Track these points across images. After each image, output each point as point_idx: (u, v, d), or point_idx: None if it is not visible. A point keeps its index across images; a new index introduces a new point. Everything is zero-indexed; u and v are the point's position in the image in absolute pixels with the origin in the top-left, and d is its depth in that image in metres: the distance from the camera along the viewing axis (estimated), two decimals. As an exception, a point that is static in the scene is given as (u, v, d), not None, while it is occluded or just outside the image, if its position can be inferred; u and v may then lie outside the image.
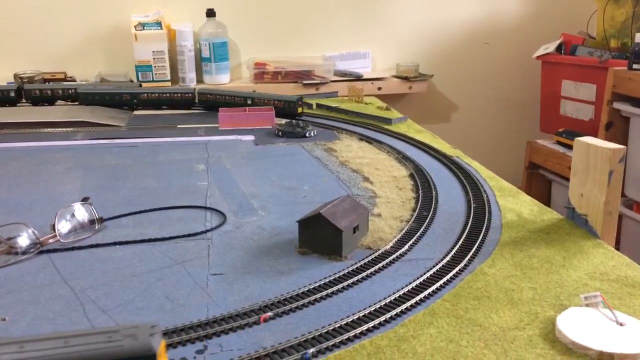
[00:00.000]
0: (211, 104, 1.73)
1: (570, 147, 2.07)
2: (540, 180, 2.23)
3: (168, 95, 1.75)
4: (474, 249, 0.80)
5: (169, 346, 0.58)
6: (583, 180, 0.87)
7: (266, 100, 1.66)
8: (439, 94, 2.55)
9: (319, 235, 0.79)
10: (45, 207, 0.97)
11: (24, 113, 1.58)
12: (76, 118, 1.53)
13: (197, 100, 1.76)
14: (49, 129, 1.50)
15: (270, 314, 0.64)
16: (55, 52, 2.19)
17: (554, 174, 2.14)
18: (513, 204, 0.98)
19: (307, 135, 1.44)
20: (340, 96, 2.03)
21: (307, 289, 0.69)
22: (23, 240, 0.78)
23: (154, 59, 2.10)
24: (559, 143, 2.14)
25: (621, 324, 0.60)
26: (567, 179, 2.13)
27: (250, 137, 1.45)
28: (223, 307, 0.66)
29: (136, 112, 1.73)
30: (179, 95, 1.75)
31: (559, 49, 2.28)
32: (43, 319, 0.63)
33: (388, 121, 1.59)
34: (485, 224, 0.88)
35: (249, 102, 1.67)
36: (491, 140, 2.61)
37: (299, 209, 0.95)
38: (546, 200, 2.21)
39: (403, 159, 1.24)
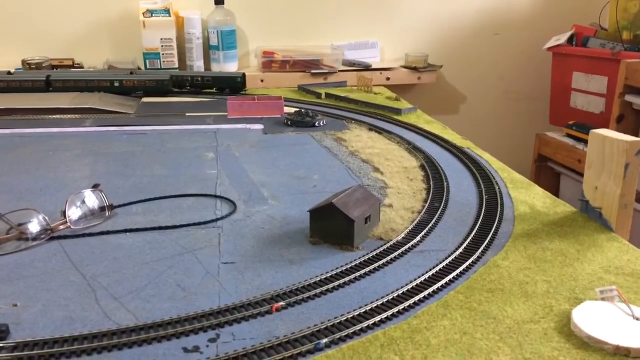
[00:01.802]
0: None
1: (580, 139, 2.06)
2: (548, 173, 2.22)
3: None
4: (486, 240, 0.79)
5: (181, 334, 0.57)
6: (598, 172, 0.86)
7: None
8: (447, 85, 2.53)
9: (331, 225, 0.78)
10: (55, 193, 0.96)
11: (32, 99, 1.58)
12: (84, 105, 1.52)
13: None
14: (58, 115, 1.49)
15: (282, 303, 0.63)
16: (63, 39, 2.17)
17: (563, 167, 2.12)
18: (525, 196, 0.97)
19: (316, 124, 1.43)
20: (349, 86, 2.02)
21: (319, 278, 0.69)
22: (33, 226, 0.78)
23: (162, 46, 2.09)
24: (569, 136, 2.12)
25: (637, 319, 0.59)
26: (576, 172, 2.10)
27: (259, 126, 1.44)
28: (235, 295, 0.65)
29: (144, 100, 1.72)
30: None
31: (570, 40, 2.25)
32: (54, 305, 0.62)
33: (397, 111, 1.58)
34: (497, 216, 0.87)
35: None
36: (500, 132, 2.59)
37: (309, 199, 0.95)
38: (554, 193, 2.18)
39: (413, 149, 1.23)
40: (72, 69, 2.04)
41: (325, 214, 0.79)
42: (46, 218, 0.79)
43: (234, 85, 1.85)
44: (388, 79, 2.30)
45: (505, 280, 0.69)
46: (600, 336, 0.56)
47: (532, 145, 2.27)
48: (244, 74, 1.87)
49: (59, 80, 1.71)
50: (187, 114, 1.54)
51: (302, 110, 1.48)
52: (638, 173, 0.82)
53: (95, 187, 0.87)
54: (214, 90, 1.88)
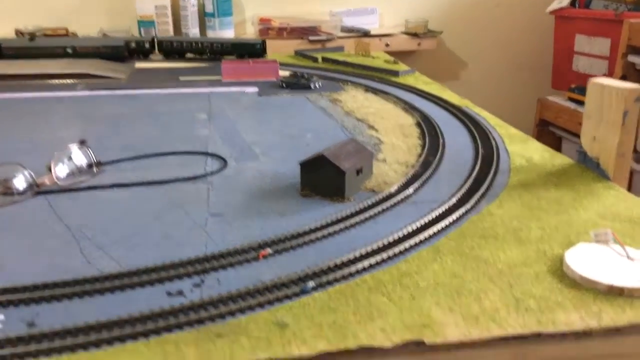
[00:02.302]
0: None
1: (582, 103, 2.02)
2: (550, 138, 2.19)
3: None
4: (481, 191, 0.77)
5: (165, 280, 0.56)
6: (596, 123, 0.84)
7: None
8: (448, 51, 2.49)
9: (322, 177, 0.77)
10: (43, 153, 0.94)
11: (24, 65, 1.55)
12: (77, 70, 1.50)
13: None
14: (49, 81, 1.47)
15: (269, 250, 0.62)
16: (56, 7, 2.14)
17: (565, 131, 2.10)
18: (523, 150, 0.95)
19: (311, 87, 1.40)
20: (347, 52, 1.99)
21: (308, 228, 0.67)
22: (19, 182, 0.76)
23: (157, 14, 2.06)
24: (571, 99, 2.09)
25: (632, 259, 0.58)
26: (578, 136, 2.09)
27: (254, 89, 1.41)
28: (222, 245, 0.64)
29: (138, 65, 1.70)
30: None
31: (573, 3, 2.20)
32: (38, 255, 0.61)
33: (395, 73, 1.55)
34: (493, 168, 0.86)
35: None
36: (501, 97, 2.55)
37: (301, 156, 0.92)
38: (556, 158, 2.17)
39: (410, 108, 1.21)
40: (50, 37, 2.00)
41: (316, 166, 0.77)
42: (32, 174, 0.78)
43: (253, 51, 1.77)
44: (387, 45, 2.26)
45: (499, 227, 0.68)
46: (593, 276, 0.54)
47: (534, 110, 2.24)
48: (264, 41, 1.79)
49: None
50: (180, 78, 1.52)
51: (298, 72, 1.46)
52: (636, 121, 0.80)
53: (82, 143, 0.86)
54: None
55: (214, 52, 1.80)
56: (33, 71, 1.49)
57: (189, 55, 1.81)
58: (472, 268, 0.58)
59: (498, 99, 2.55)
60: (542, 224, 0.68)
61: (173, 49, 1.80)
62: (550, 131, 2.17)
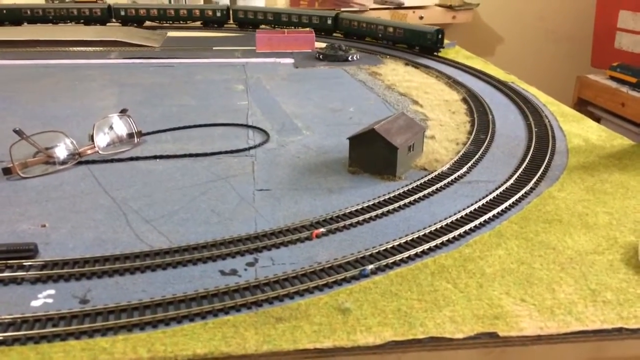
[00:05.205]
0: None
1: (624, 82, 1.95)
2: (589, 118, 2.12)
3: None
4: (539, 172, 0.73)
5: (217, 257, 0.54)
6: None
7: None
8: (484, 24, 2.41)
9: (372, 153, 0.73)
10: (82, 120, 0.93)
11: (57, 31, 1.53)
12: (109, 37, 1.47)
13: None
14: (83, 48, 1.44)
15: (322, 230, 0.59)
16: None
17: (604, 111, 2.02)
18: (578, 129, 0.90)
19: (349, 59, 1.36)
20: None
21: (360, 207, 0.64)
22: (61, 150, 0.74)
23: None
24: (612, 78, 2.00)
25: None
26: (619, 116, 2.00)
27: (290, 60, 1.37)
28: (272, 222, 0.61)
29: (170, 34, 1.67)
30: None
31: (618, -24, 2.10)
32: (84, 227, 0.59)
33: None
34: (550, 148, 0.81)
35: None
36: (538, 74, 2.46)
37: (345, 130, 0.89)
38: (593, 139, 2.09)
39: (454, 83, 1.16)
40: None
41: (366, 141, 0.73)
42: (74, 142, 0.76)
43: (424, 43, 1.47)
44: (421, 17, 2.19)
45: (563, 212, 0.64)
46: (675, 268, 0.51)
47: (572, 88, 2.16)
48: (438, 30, 1.44)
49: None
50: (214, 48, 1.48)
51: (335, 44, 1.41)
52: None
53: (123, 112, 0.83)
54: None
55: (386, 39, 1.55)
56: (66, 37, 1.47)
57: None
58: (539, 255, 0.55)
59: (535, 75, 2.46)
60: (609, 209, 0.64)
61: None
62: (589, 111, 2.10)
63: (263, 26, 1.74)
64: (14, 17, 1.70)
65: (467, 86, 1.14)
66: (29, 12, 1.70)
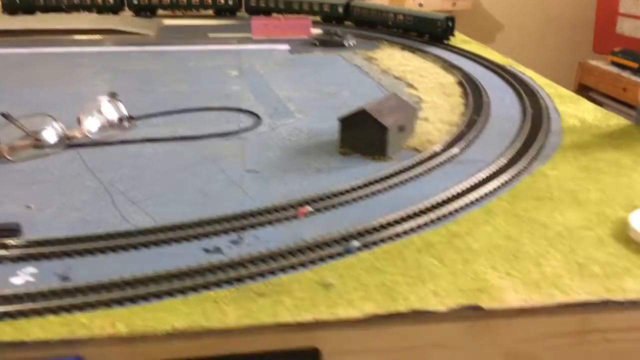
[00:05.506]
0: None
1: (626, 67, 1.93)
2: (590, 104, 2.11)
3: None
4: (532, 151, 0.72)
5: (202, 236, 0.54)
6: (658, 80, 0.78)
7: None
8: (484, 11, 2.39)
9: (362, 133, 0.73)
10: (72, 106, 0.91)
11: (52, 20, 1.53)
12: (105, 26, 1.47)
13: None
14: (78, 36, 1.44)
15: (309, 208, 0.59)
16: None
17: (606, 97, 2.01)
18: (574, 110, 0.89)
19: (345, 44, 1.35)
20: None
21: (349, 186, 0.64)
22: (49, 134, 0.74)
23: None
24: (614, 63, 1.99)
25: None
26: (621, 102, 1.99)
27: (285, 47, 1.37)
28: (259, 201, 0.61)
29: (166, 22, 1.66)
30: None
31: (620, -41, 2.08)
32: (69, 208, 0.59)
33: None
34: (544, 128, 0.80)
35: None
36: (540, 60, 2.43)
37: (338, 113, 0.88)
38: (595, 125, 2.08)
39: (450, 67, 1.15)
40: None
41: (357, 122, 0.73)
42: (62, 126, 0.75)
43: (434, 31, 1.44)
44: (421, 5, 2.18)
45: (554, 189, 0.63)
46: (665, 242, 0.50)
47: (574, 74, 2.15)
48: (448, 18, 1.42)
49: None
50: (210, 35, 1.48)
51: (331, 30, 1.40)
52: None
53: (112, 95, 0.83)
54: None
55: (397, 26, 1.53)
56: (60, 26, 1.46)
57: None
58: (528, 231, 0.54)
59: (536, 61, 2.44)
60: (602, 186, 0.64)
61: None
62: (590, 97, 2.08)
63: (274, 14, 1.72)
64: (28, 5, 1.69)
65: (463, 69, 1.13)
66: (42, 1, 1.69)
